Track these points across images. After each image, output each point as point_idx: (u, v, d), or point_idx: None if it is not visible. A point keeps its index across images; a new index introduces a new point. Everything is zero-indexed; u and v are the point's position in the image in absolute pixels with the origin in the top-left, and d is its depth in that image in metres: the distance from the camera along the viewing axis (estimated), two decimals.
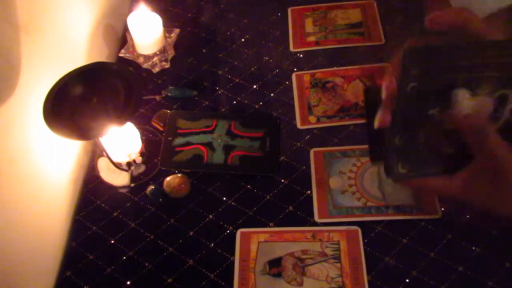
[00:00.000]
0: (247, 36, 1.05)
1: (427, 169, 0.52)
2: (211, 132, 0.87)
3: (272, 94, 0.94)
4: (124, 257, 0.75)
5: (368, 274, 0.70)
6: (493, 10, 0.66)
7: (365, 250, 0.72)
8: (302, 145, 0.86)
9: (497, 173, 0.47)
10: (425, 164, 0.52)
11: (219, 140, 0.86)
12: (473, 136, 0.48)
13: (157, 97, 0.95)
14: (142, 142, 0.84)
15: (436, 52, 0.46)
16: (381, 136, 0.51)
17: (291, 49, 1.01)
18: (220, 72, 0.99)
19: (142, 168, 0.85)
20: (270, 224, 0.77)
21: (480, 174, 0.49)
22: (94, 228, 0.79)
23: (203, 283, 0.72)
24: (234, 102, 0.93)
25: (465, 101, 0.47)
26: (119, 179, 0.83)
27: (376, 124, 0.51)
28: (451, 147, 0.51)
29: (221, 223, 0.77)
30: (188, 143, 0.86)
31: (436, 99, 0.48)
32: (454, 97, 0.48)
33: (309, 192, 0.79)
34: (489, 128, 0.47)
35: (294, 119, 0.89)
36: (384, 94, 0.51)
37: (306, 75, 0.96)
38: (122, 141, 0.80)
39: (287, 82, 0.95)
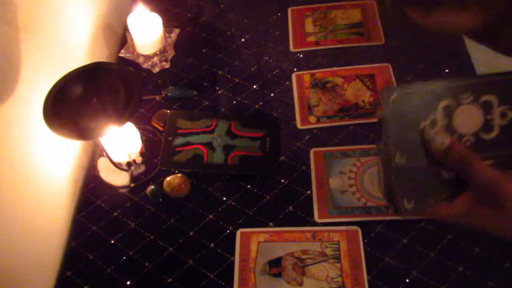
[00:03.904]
0: (247, 36, 1.05)
1: (430, 199, 0.53)
2: (211, 132, 0.87)
3: (272, 94, 0.94)
4: (124, 257, 0.75)
5: (368, 274, 0.70)
6: None
7: (365, 250, 0.72)
8: (302, 145, 0.86)
9: (490, 197, 0.47)
10: (427, 194, 0.52)
11: (219, 140, 0.86)
12: (458, 167, 0.48)
13: (157, 97, 0.95)
14: (142, 142, 0.84)
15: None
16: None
17: (291, 49, 1.01)
18: (220, 72, 0.99)
19: (142, 168, 0.85)
20: (270, 224, 0.77)
21: (476, 199, 0.49)
22: (94, 228, 0.79)
23: (203, 283, 0.72)
24: (234, 102, 0.93)
25: (437, 135, 0.47)
26: (119, 179, 0.83)
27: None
28: (449, 171, 0.51)
29: (221, 223, 0.77)
30: (188, 143, 0.86)
31: (425, 110, 0.48)
32: (426, 135, 0.48)
33: (309, 192, 0.79)
34: (472, 157, 0.47)
35: (294, 119, 0.89)
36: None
37: (306, 75, 0.96)
38: (122, 141, 0.80)
39: (287, 82, 0.95)
